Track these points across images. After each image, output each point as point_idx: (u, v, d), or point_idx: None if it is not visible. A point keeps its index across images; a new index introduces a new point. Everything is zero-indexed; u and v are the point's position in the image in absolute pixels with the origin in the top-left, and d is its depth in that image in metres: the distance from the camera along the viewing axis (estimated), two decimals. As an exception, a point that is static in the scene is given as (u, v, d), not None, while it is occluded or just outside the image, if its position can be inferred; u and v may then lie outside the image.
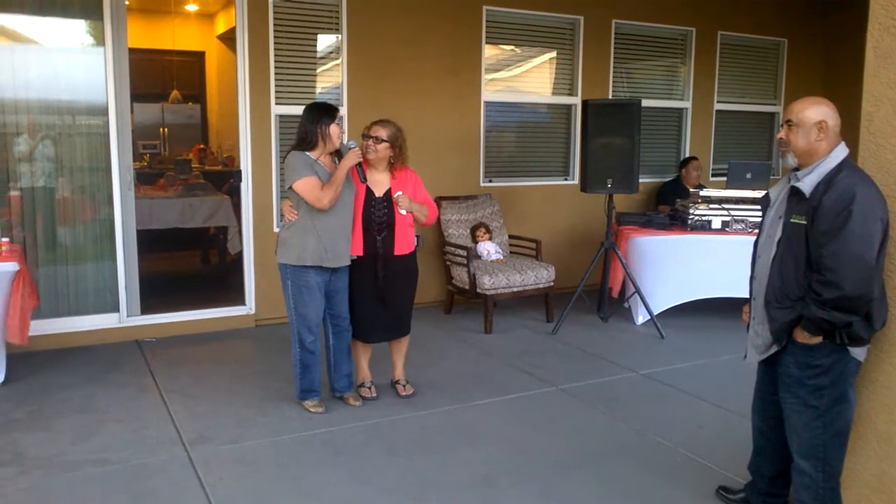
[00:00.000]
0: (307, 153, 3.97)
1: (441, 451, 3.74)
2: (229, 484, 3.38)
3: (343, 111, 5.99)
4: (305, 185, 3.88)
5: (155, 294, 5.71)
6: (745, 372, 3.27)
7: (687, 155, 7.66)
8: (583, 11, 6.98)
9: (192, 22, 9.41)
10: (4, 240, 4.60)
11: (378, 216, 4.13)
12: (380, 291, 4.18)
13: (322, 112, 4.00)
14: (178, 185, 7.27)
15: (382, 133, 4.10)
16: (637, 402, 4.46)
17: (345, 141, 4.11)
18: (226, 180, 7.28)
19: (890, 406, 2.79)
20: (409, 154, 4.28)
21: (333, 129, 3.98)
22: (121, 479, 3.40)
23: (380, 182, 4.17)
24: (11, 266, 4.41)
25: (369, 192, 4.13)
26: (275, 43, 5.75)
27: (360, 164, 4.05)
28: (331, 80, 6.10)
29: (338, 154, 4.08)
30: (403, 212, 4.14)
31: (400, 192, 4.14)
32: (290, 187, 3.93)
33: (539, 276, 5.99)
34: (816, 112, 2.71)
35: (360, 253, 4.14)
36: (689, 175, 7.20)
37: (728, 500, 3.25)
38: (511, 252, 6.54)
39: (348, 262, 4.10)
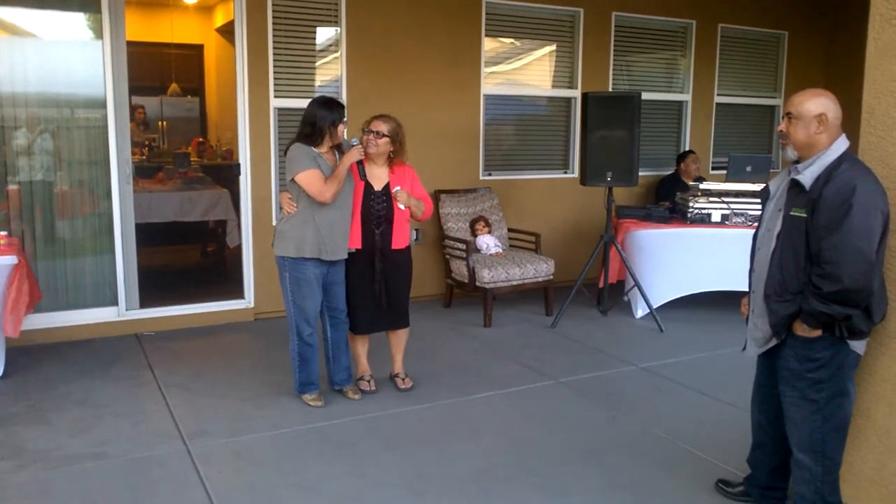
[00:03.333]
0: (310, 146, 3.97)
1: (440, 444, 3.74)
2: (228, 477, 3.38)
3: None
4: (309, 178, 3.88)
5: (154, 288, 5.70)
6: (745, 365, 3.26)
7: (687, 148, 7.65)
8: (582, 4, 6.95)
9: (191, 15, 9.37)
10: (2, 233, 4.59)
11: (377, 210, 4.13)
12: (377, 284, 4.18)
13: (328, 108, 3.99)
14: (176, 179, 7.25)
15: (383, 128, 4.11)
16: (636, 395, 4.46)
17: (346, 137, 4.11)
18: (225, 174, 7.27)
19: (889, 399, 2.79)
20: (409, 148, 4.29)
21: (340, 126, 4.00)
22: (120, 472, 3.40)
23: (378, 176, 4.17)
24: (10, 259, 4.40)
25: (368, 186, 4.13)
26: (273, 36, 5.73)
27: (360, 162, 4.05)
28: (330, 73, 6.08)
29: (338, 148, 4.08)
30: (402, 206, 4.15)
31: (398, 188, 4.14)
32: (292, 179, 3.92)
33: (538, 269, 5.98)
34: (816, 104, 2.69)
35: (359, 246, 4.14)
36: (688, 169, 7.18)
37: (727, 494, 3.25)
38: (510, 245, 6.53)
39: (345, 256, 4.11)
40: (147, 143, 8.75)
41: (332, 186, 3.90)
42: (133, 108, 9.04)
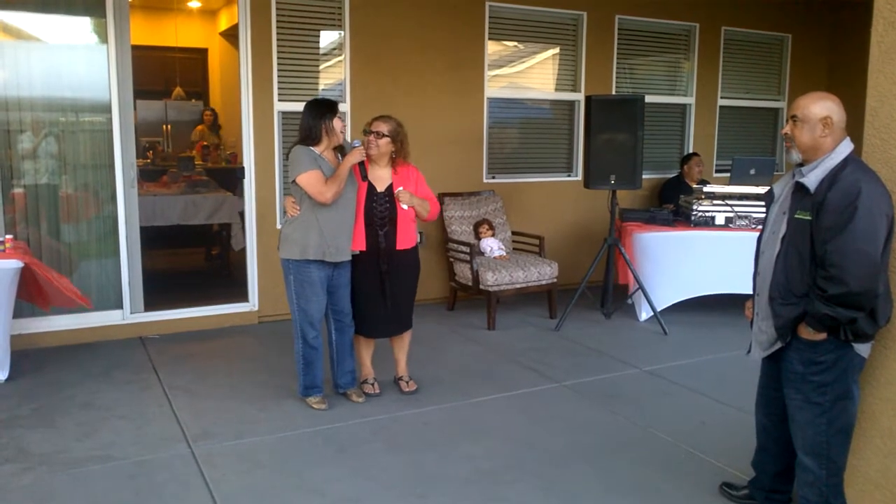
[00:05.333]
0: (311, 148, 3.99)
1: (443, 446, 3.75)
2: (232, 480, 3.38)
3: (346, 107, 6.00)
4: (309, 179, 3.89)
5: (158, 291, 5.71)
6: (749, 368, 3.26)
7: (690, 151, 7.64)
8: (586, 7, 6.96)
9: (195, 18, 9.41)
10: (8, 237, 4.60)
11: (380, 211, 4.14)
12: (382, 286, 4.19)
13: (324, 107, 4.03)
14: (181, 182, 7.27)
15: (383, 128, 4.12)
16: (640, 398, 4.45)
17: (349, 139, 4.13)
18: (229, 177, 7.28)
19: (894, 402, 2.79)
20: (412, 150, 4.30)
21: (336, 123, 4.01)
22: (124, 475, 3.41)
23: (382, 178, 4.18)
24: (14, 263, 4.41)
25: (371, 187, 4.14)
26: (277, 39, 5.74)
27: (362, 164, 4.06)
28: (333, 76, 6.09)
29: (341, 150, 4.10)
30: (405, 207, 4.15)
31: (401, 188, 4.15)
32: (294, 181, 3.94)
33: (542, 272, 5.98)
34: (822, 107, 2.69)
35: (363, 248, 4.15)
36: (691, 171, 7.17)
37: (731, 497, 3.25)
38: (514, 248, 6.53)
39: (349, 257, 4.11)
40: (213, 145, 8.78)
41: (332, 187, 3.91)
42: (201, 112, 9.10)
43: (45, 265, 4.66)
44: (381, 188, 4.16)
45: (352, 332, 4.28)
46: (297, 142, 4.05)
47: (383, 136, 4.12)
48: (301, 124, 4.05)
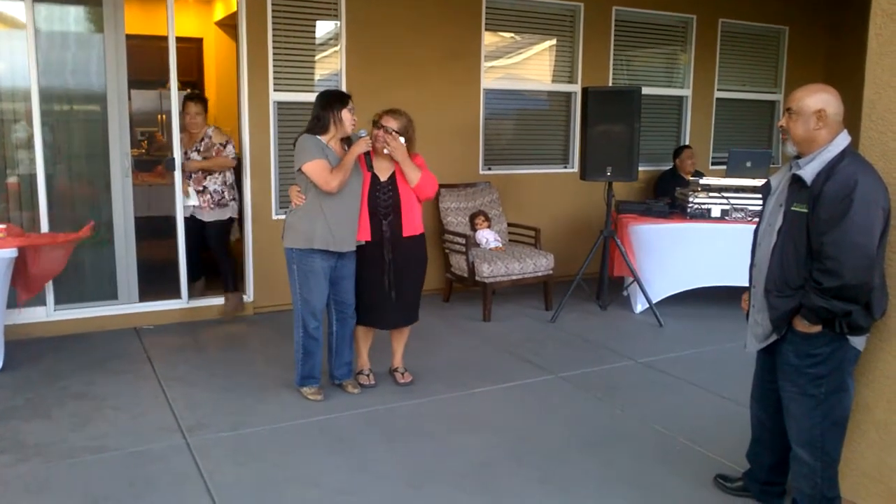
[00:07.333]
0: (318, 136, 3.97)
1: (439, 438, 3.75)
2: (227, 471, 3.38)
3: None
4: (315, 167, 3.88)
5: (153, 281, 5.69)
6: (744, 361, 3.27)
7: (686, 143, 7.64)
8: (583, -2, 6.95)
9: (190, 8, 9.35)
10: (1, 226, 4.57)
11: (383, 200, 4.12)
12: (388, 275, 4.17)
13: (335, 98, 4.03)
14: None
15: (394, 125, 4.06)
16: (636, 390, 4.46)
17: (355, 128, 4.10)
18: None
19: (888, 395, 2.80)
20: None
21: (345, 114, 3.99)
22: (119, 466, 3.40)
23: (385, 167, 4.16)
24: (8, 253, 4.38)
25: (374, 177, 4.13)
26: (273, 30, 5.71)
27: (367, 154, 4.04)
28: (329, 66, 6.06)
29: (347, 141, 4.09)
30: (385, 151, 4.07)
31: (389, 128, 4.04)
32: (300, 169, 3.93)
33: (538, 264, 5.98)
34: (816, 100, 2.69)
35: (369, 238, 4.13)
36: (684, 164, 7.17)
37: (726, 489, 3.26)
38: (510, 240, 6.53)
39: (353, 248, 4.09)
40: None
41: (337, 176, 3.89)
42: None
43: (42, 234, 4.60)
44: (383, 178, 4.14)
45: (353, 324, 4.27)
46: (304, 130, 4.04)
47: (393, 132, 4.05)
48: (312, 113, 4.04)
